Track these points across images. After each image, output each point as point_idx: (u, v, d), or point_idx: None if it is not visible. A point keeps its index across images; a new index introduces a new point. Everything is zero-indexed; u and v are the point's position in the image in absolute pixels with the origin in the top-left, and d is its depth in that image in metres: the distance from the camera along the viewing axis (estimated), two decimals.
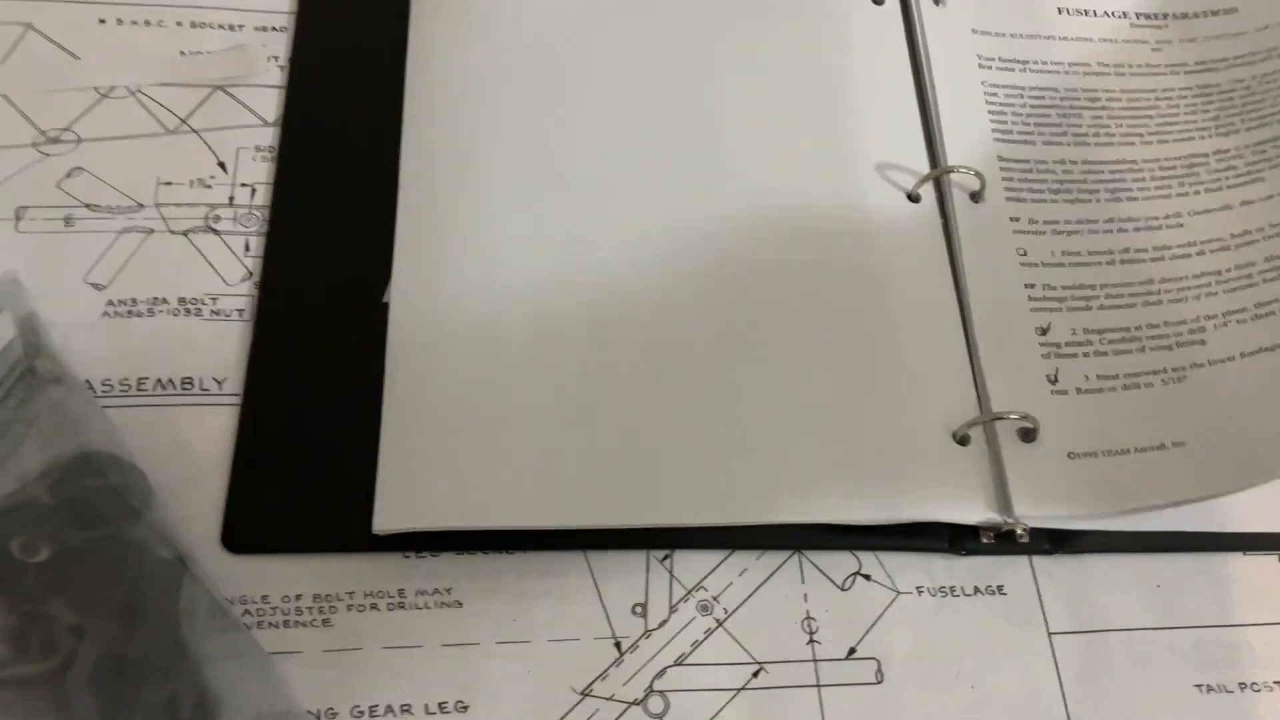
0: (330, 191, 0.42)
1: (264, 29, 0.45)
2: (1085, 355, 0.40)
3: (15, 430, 0.34)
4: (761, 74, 0.44)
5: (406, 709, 0.34)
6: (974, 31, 0.47)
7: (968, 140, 0.44)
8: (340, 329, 0.39)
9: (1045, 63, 0.47)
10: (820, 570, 0.37)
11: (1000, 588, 0.37)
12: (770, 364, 0.39)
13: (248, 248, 0.41)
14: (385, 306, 0.39)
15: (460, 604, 0.36)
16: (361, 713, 0.34)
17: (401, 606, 0.35)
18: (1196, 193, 0.43)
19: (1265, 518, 0.39)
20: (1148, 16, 0.48)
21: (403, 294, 0.39)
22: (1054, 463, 0.38)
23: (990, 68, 0.46)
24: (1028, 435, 0.38)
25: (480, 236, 0.40)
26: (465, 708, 0.34)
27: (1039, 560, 0.38)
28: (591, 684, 0.35)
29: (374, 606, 0.35)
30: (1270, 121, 0.44)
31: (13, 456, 0.34)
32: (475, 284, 0.39)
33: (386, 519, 0.35)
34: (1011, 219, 0.43)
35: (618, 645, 0.35)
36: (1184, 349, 0.39)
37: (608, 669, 0.35)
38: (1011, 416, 0.38)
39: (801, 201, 0.42)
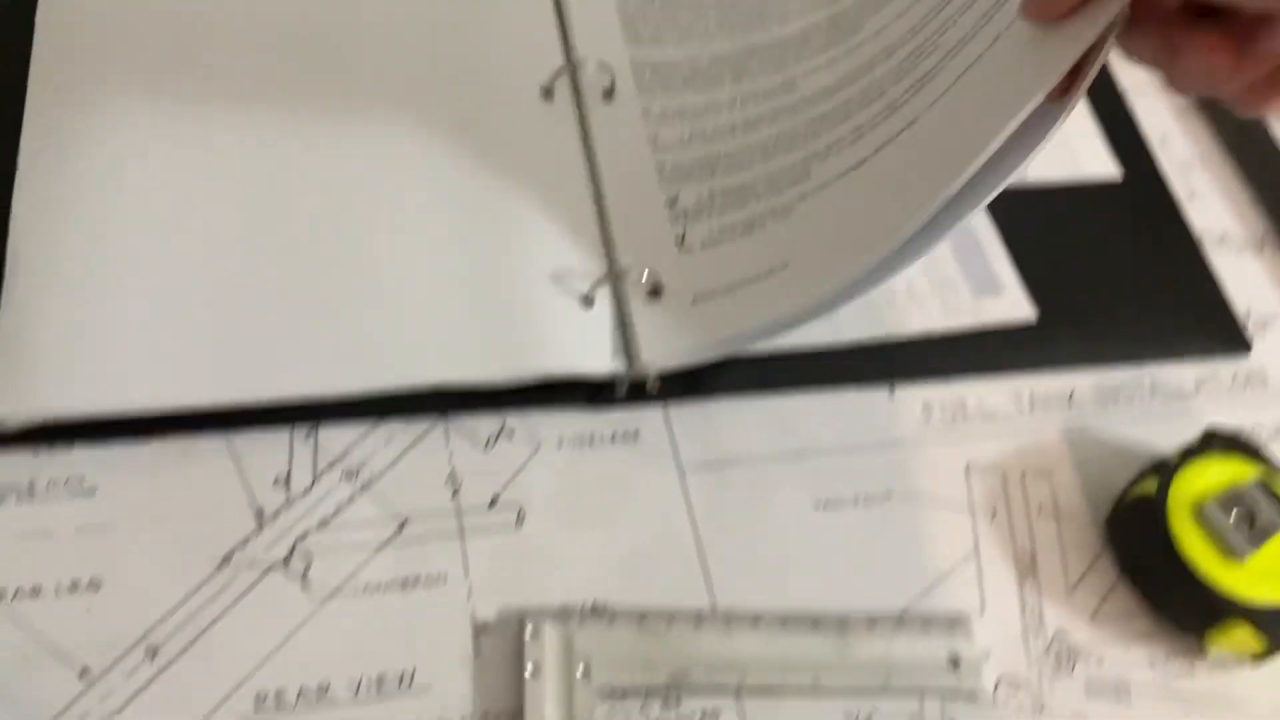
0: None
1: None
2: (709, 215, 0.43)
3: None
4: None
5: (36, 591, 0.34)
6: None
7: (600, 38, 0.47)
8: None
9: None
10: (465, 432, 0.39)
11: (636, 433, 0.40)
12: (401, 232, 0.40)
13: None
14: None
15: (93, 491, 0.36)
16: None
17: (31, 498, 0.35)
18: (807, 58, 0.47)
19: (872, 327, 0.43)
20: None
21: (27, 182, 0.39)
22: (680, 310, 0.41)
23: None
24: (656, 292, 0.41)
25: (106, 115, 0.41)
26: (99, 585, 0.34)
27: (671, 408, 0.41)
28: (231, 552, 0.35)
29: (2, 498, 0.35)
30: None
31: None
32: (104, 165, 0.40)
33: (1, 405, 0.34)
34: (643, 110, 0.46)
35: (259, 515, 0.36)
36: (792, 188, 0.43)
37: (248, 537, 0.36)
38: (634, 272, 0.40)
39: (437, 96, 0.44)
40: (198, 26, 0.44)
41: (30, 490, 0.35)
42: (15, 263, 0.37)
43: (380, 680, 0.34)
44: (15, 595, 0.33)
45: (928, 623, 0.38)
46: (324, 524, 0.36)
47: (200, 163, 0.41)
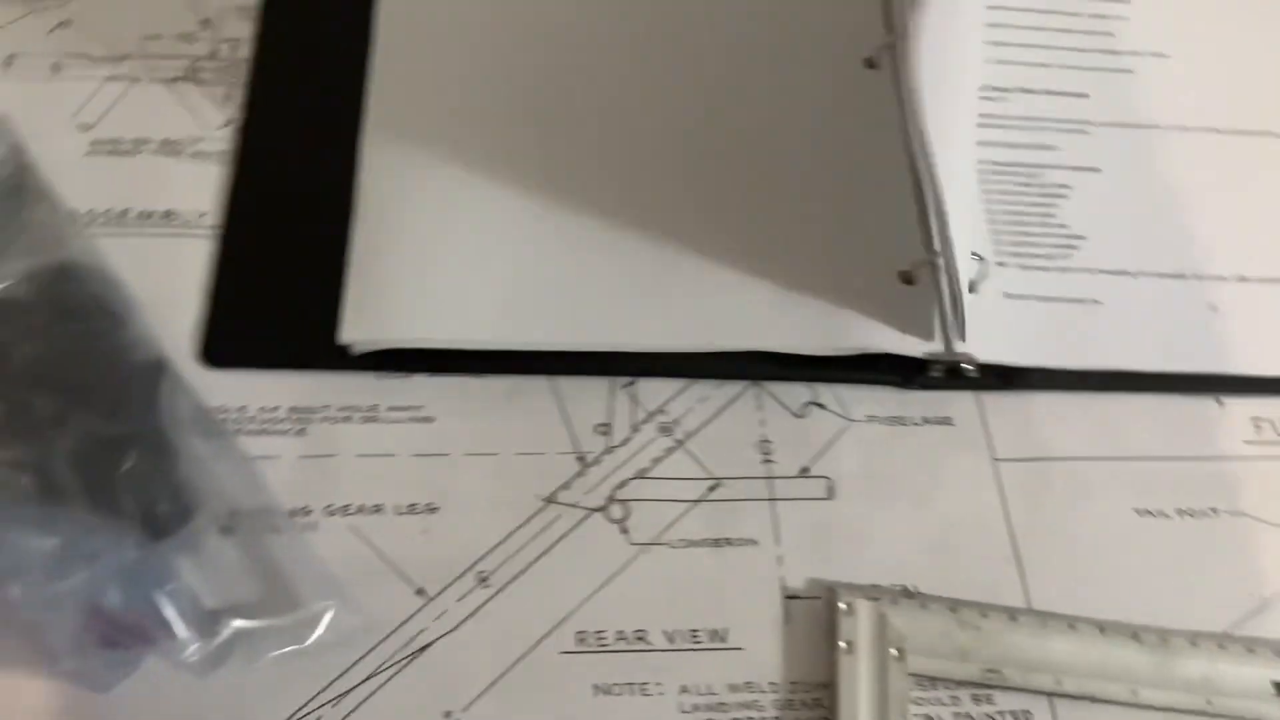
0: (309, 45, 0.43)
1: None
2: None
3: (1, 239, 0.35)
4: None
5: (378, 508, 0.35)
6: None
7: None
8: (315, 167, 0.40)
9: None
10: (776, 399, 0.39)
11: (948, 419, 0.39)
12: (732, 198, 0.40)
13: (228, 97, 0.42)
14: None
15: (431, 420, 0.37)
16: (334, 510, 0.35)
17: (375, 420, 0.37)
18: None
19: (1205, 360, 0.40)
20: None
21: (376, 121, 0.40)
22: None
23: None
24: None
25: (453, 71, 0.42)
26: (435, 509, 0.35)
27: (986, 395, 0.40)
28: (555, 492, 0.36)
29: (348, 419, 0.37)
30: None
31: (1, 260, 0.35)
32: (448, 110, 0.41)
33: (353, 331, 0.36)
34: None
35: (581, 459, 0.37)
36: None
37: (571, 480, 0.36)
38: (955, 257, 0.39)
39: (768, 60, 0.44)
40: None
41: (374, 413, 0.37)
42: (365, 198, 0.39)
43: (693, 634, 0.34)
44: (359, 510, 0.35)
45: (1253, 646, 0.36)
46: (641, 475, 0.37)
47: (538, 115, 0.42)
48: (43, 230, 0.36)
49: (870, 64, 0.45)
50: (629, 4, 0.45)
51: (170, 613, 0.30)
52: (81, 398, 0.33)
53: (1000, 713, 0.34)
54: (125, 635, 0.30)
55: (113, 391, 0.33)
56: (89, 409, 0.32)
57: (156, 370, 0.34)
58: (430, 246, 0.38)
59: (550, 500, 0.36)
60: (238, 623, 0.31)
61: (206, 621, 0.30)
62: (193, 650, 0.30)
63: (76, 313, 0.35)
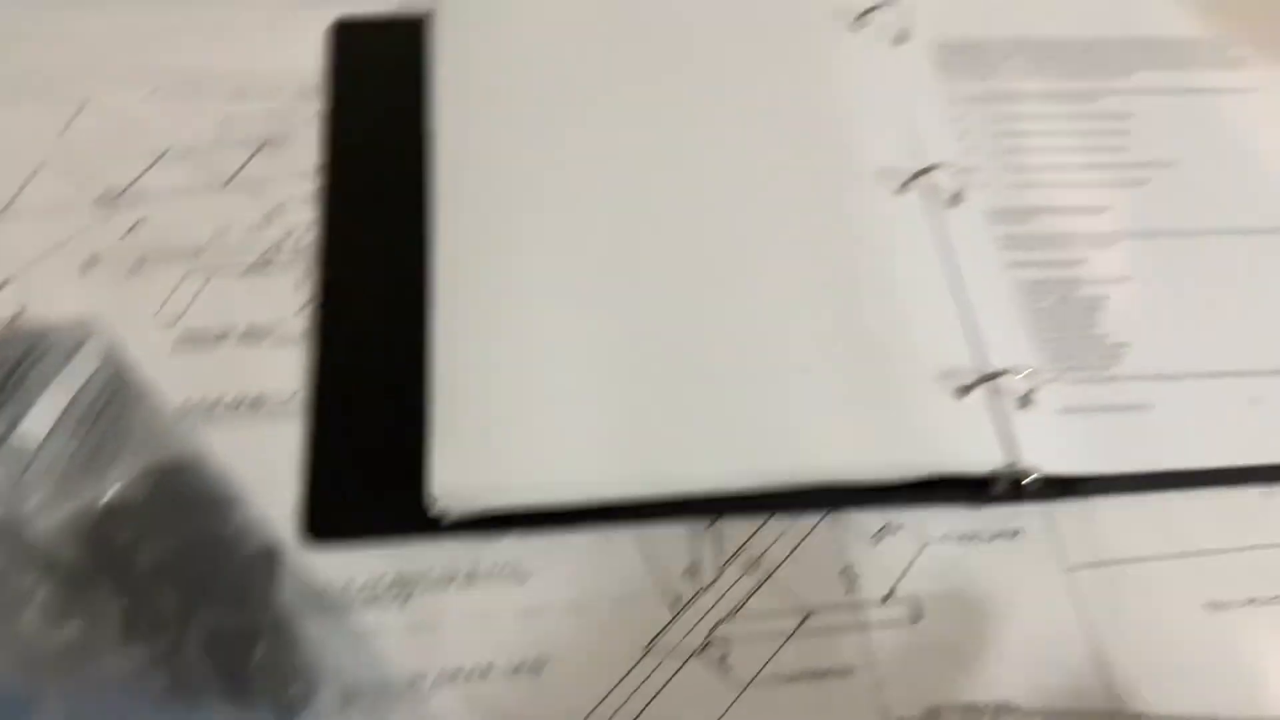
0: (370, 222, 0.46)
1: (302, 89, 0.50)
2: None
3: (112, 442, 0.37)
4: (761, 102, 0.49)
5: (487, 671, 0.37)
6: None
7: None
8: (393, 339, 0.43)
9: None
10: (851, 527, 0.41)
11: (1018, 530, 0.41)
12: (786, 325, 0.43)
13: (301, 281, 0.45)
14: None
15: (528, 574, 0.39)
16: (449, 676, 0.36)
17: (473, 582, 0.38)
18: None
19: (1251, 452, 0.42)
20: None
21: (445, 287, 0.43)
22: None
23: None
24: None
25: (518, 234, 0.45)
26: (542, 665, 0.37)
27: (1052, 506, 0.41)
28: (654, 639, 0.38)
29: (450, 581, 0.38)
30: None
31: (112, 464, 0.37)
32: (516, 277, 0.43)
33: (441, 501, 0.38)
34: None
35: (673, 605, 0.38)
36: None
37: (667, 625, 0.38)
38: (1008, 376, 0.41)
39: (804, 191, 0.47)
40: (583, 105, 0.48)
41: (473, 574, 0.38)
42: (439, 369, 0.41)
43: None
44: (469, 675, 0.36)
45: None
46: (734, 613, 0.38)
47: (596, 265, 0.44)
48: (147, 429, 0.38)
49: (903, 187, 0.48)
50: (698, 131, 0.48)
51: None
52: (205, 591, 0.34)
53: None
54: None
55: (233, 582, 0.35)
56: (214, 601, 0.34)
57: (271, 557, 0.36)
58: (508, 411, 0.40)
59: (650, 648, 0.37)
60: None
61: None
62: None
63: (190, 507, 0.36)
